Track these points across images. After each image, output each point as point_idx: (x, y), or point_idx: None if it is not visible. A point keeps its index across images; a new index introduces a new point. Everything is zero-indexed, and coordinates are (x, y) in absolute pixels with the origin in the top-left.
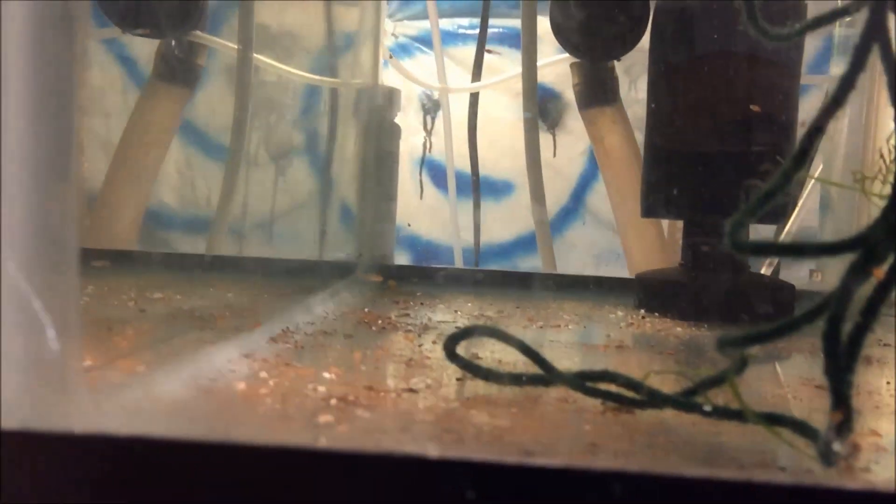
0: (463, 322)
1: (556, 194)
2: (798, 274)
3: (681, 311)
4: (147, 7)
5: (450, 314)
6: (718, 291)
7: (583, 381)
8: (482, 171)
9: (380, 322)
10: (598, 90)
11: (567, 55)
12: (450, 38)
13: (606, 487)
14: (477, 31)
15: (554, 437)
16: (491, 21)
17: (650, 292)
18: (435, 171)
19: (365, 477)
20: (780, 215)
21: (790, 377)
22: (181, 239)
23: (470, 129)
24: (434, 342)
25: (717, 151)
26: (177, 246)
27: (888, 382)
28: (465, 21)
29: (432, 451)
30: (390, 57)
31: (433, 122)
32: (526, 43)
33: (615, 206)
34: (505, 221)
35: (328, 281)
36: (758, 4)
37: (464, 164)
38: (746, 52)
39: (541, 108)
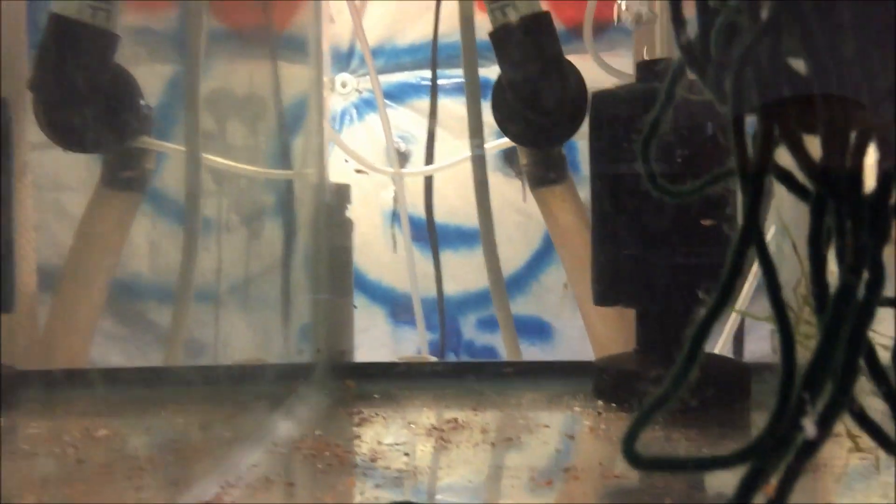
0: (415, 443)
1: (528, 239)
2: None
3: (638, 404)
4: (88, 124)
5: (404, 430)
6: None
7: None
8: (454, 220)
9: (327, 454)
10: (546, 170)
11: None
12: (413, 90)
13: None
14: (442, 81)
15: None
16: (451, 71)
17: (606, 381)
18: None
19: None
20: None
21: None
22: (157, 309)
23: (428, 216)
24: (378, 486)
25: (664, 241)
26: (153, 317)
27: None
28: (427, 73)
29: None
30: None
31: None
32: (470, 90)
33: (573, 283)
34: (480, 269)
35: (287, 387)
36: None
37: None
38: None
39: (508, 154)
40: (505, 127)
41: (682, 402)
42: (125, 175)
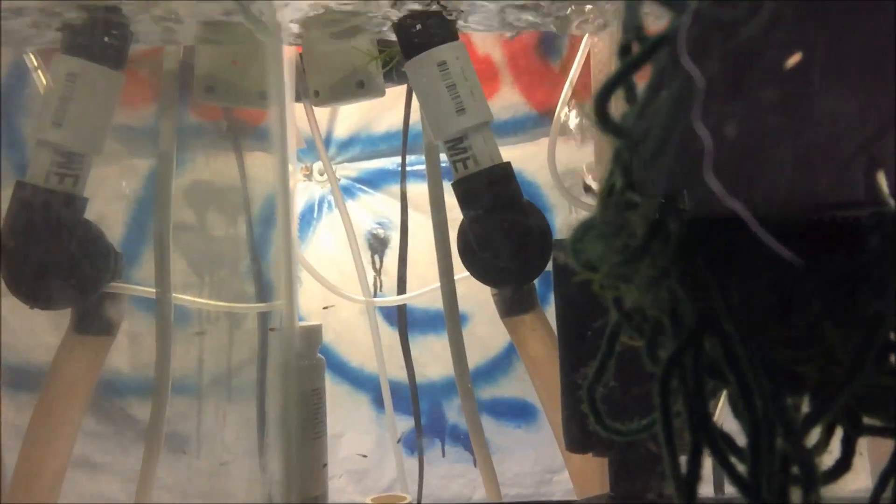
0: None
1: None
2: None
3: None
4: (56, 285)
5: None
6: None
7: None
8: (436, 304)
9: None
10: (514, 301)
11: None
12: (390, 176)
13: None
14: (418, 167)
15: None
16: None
17: None
18: (388, 312)
19: None
20: None
21: None
22: (135, 404)
23: (403, 343)
24: None
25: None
26: (133, 411)
27: None
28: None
29: None
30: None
31: (381, 262)
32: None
33: (547, 411)
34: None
35: None
36: None
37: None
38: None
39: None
40: (470, 268)
41: None
42: (96, 321)
